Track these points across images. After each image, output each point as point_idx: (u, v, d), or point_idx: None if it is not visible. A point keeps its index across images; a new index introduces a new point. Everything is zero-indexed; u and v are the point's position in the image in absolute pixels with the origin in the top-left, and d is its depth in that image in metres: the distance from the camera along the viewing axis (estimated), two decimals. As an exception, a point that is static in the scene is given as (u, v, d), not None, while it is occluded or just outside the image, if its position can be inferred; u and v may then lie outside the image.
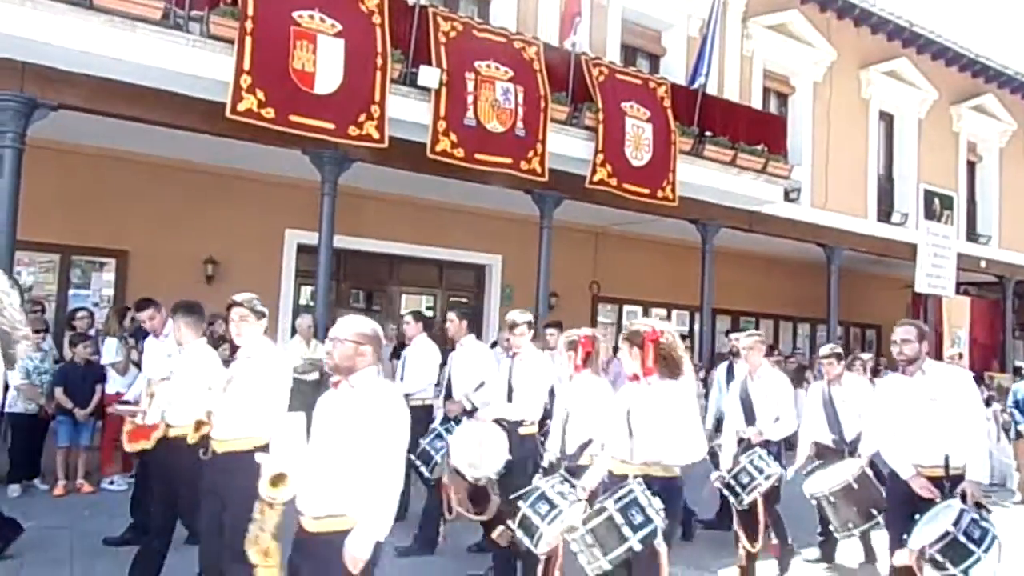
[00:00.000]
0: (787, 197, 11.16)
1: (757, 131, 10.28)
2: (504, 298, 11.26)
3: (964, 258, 13.97)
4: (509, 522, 4.00)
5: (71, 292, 8.47)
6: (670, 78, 9.94)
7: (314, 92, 6.57)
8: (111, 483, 6.67)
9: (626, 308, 13.03)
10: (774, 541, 5.13)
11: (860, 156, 13.21)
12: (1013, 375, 12.88)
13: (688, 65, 10.66)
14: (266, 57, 6.34)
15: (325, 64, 6.59)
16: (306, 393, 7.53)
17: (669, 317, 13.59)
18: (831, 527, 5.01)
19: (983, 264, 14.75)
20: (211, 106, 6.40)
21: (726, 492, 4.94)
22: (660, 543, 3.25)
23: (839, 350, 5.86)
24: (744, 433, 5.21)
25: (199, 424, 3.78)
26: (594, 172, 8.45)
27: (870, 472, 4.88)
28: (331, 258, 7.67)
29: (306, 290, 9.93)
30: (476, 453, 4.45)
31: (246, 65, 6.23)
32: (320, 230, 7.51)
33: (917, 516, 3.80)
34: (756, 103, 11.68)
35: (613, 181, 8.59)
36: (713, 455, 5.32)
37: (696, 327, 12.13)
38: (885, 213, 13.48)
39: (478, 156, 7.58)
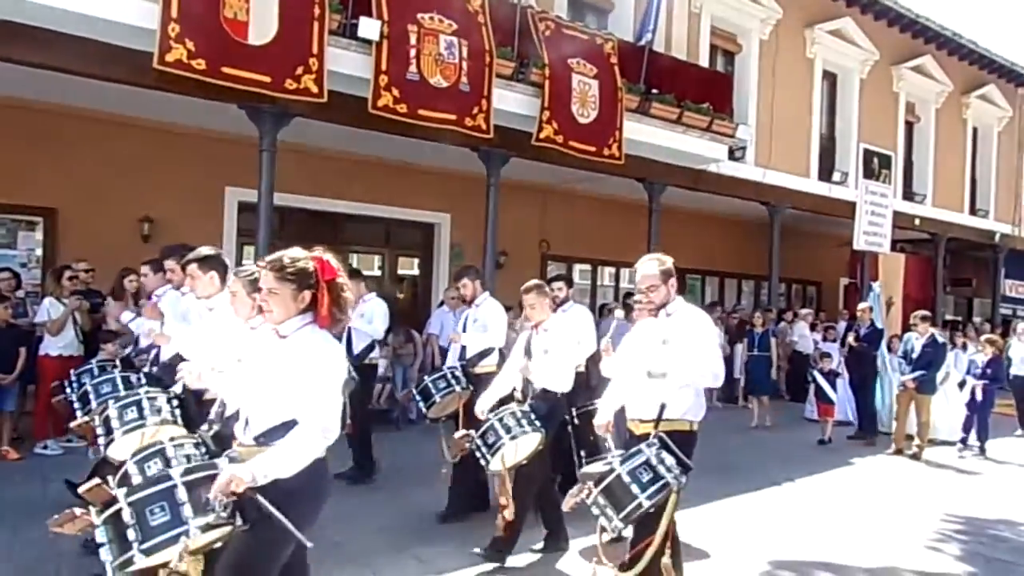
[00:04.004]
0: (732, 156, 11.31)
1: (703, 89, 10.34)
2: (453, 257, 11.22)
3: (900, 216, 14.44)
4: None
5: (-3, 252, 8.10)
6: (618, 34, 9.86)
7: (247, 43, 6.30)
8: (44, 448, 6.50)
9: (576, 266, 13.14)
10: (508, 517, 4.33)
11: (804, 115, 13.44)
12: (942, 328, 13.52)
13: (636, 20, 10.60)
14: (195, 5, 6.04)
15: (259, 13, 6.31)
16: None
17: (618, 275, 13.78)
18: None
19: (917, 222, 15.30)
20: (138, 56, 6.08)
21: (477, 453, 4.30)
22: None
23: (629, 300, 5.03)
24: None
25: None
26: (540, 129, 8.39)
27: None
28: (272, 216, 7.49)
29: (249, 249, 9.68)
30: None
31: (173, 13, 5.92)
32: (260, 188, 7.31)
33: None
34: (703, 61, 11.72)
35: (559, 139, 8.56)
36: None
37: (643, 284, 12.31)
38: (826, 172, 13.82)
39: (422, 112, 7.43)
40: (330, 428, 2.47)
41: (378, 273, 11.45)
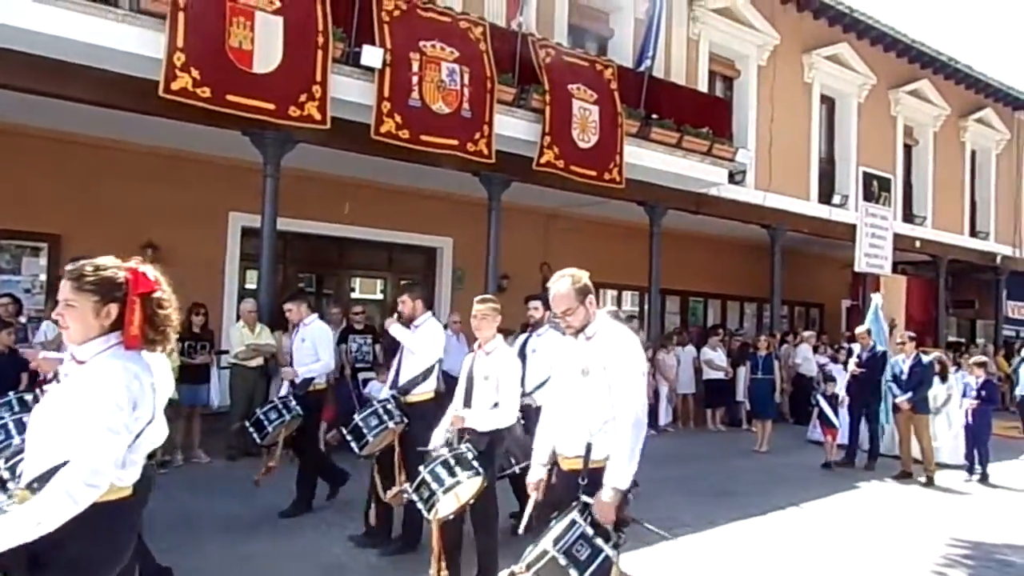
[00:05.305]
0: (732, 179, 11.39)
1: (703, 114, 10.45)
2: (455, 281, 11.25)
3: (900, 238, 14.50)
4: None
5: (0, 278, 8.15)
6: (618, 60, 10.00)
7: (252, 71, 6.41)
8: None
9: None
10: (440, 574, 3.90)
11: (803, 139, 13.55)
12: (945, 350, 13.49)
13: (636, 47, 10.74)
14: (201, 34, 6.15)
15: (263, 42, 6.43)
16: (248, 379, 7.50)
17: (620, 298, 13.80)
18: None
19: (918, 244, 15.35)
20: (144, 85, 6.18)
21: (418, 505, 3.86)
22: None
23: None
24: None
25: None
26: (541, 154, 8.48)
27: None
28: (275, 241, 7.54)
29: (252, 274, 9.73)
30: None
31: (179, 42, 6.04)
32: (263, 213, 7.37)
33: (555, 516, 2.95)
34: (702, 86, 11.85)
35: (560, 163, 8.64)
36: None
37: (646, 307, 12.35)
38: (826, 195, 13.89)
39: (423, 137, 7.52)
40: (101, 473, 1.97)
41: (380, 297, 11.48)
